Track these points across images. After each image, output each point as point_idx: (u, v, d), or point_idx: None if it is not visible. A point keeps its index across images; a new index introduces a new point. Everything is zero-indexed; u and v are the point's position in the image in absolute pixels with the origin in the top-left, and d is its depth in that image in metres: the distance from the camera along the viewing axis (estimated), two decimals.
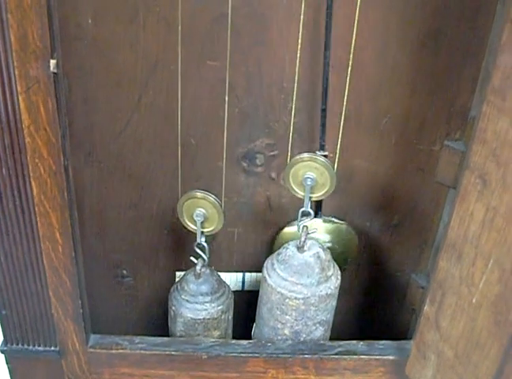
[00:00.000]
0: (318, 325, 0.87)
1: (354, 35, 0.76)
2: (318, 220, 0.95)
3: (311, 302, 0.84)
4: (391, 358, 0.86)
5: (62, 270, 0.77)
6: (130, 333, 1.04)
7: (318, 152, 0.85)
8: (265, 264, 0.88)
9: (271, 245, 0.98)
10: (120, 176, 0.91)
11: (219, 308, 0.88)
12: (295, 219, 0.87)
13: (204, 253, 0.87)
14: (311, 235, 0.85)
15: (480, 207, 0.67)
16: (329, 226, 0.96)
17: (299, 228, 0.85)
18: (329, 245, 0.96)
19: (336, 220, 0.96)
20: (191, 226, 0.86)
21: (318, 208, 0.93)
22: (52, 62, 0.63)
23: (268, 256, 0.90)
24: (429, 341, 0.79)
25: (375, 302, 1.08)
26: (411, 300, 0.99)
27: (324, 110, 0.84)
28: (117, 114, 0.85)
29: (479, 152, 0.66)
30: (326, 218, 0.96)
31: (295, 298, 0.84)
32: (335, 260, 0.89)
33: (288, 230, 0.96)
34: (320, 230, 0.96)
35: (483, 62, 0.81)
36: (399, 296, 1.05)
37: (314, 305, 0.85)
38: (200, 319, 0.88)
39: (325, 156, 0.83)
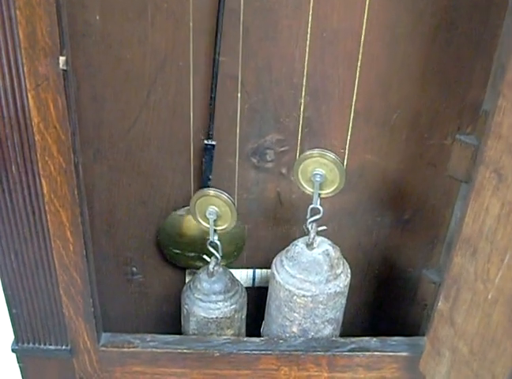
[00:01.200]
0: (326, 323, 0.87)
1: (364, 29, 0.75)
2: None
3: (319, 299, 0.84)
4: (404, 354, 0.85)
5: (72, 268, 0.77)
6: (141, 330, 1.05)
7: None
8: (274, 261, 0.88)
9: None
10: (129, 173, 0.90)
11: (232, 307, 0.88)
12: (305, 215, 0.86)
13: (217, 251, 0.87)
14: None
15: (495, 202, 0.66)
16: None
17: (308, 225, 0.84)
18: None
19: None
20: (204, 224, 0.86)
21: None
22: (61, 59, 0.63)
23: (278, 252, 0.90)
24: (443, 337, 0.79)
25: (386, 298, 1.07)
26: (422, 295, 0.98)
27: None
28: (126, 111, 0.85)
29: (494, 147, 0.65)
30: None
31: (303, 296, 0.83)
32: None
33: None
34: None
35: (496, 55, 0.80)
36: (410, 291, 1.04)
37: (322, 303, 0.84)
38: (213, 318, 0.87)
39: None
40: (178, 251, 0.98)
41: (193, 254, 0.97)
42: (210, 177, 0.89)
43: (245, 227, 0.97)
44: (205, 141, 0.86)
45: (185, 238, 0.96)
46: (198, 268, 0.95)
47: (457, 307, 0.75)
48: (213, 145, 0.86)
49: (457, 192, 0.92)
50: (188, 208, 0.91)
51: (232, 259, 0.99)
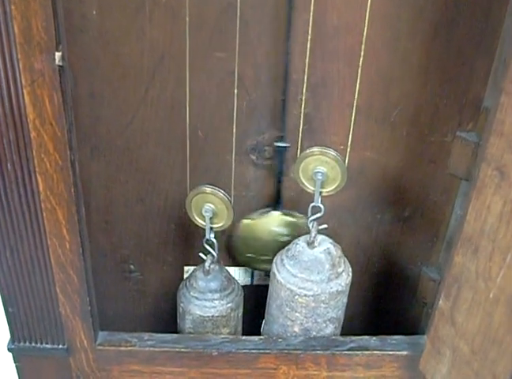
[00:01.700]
0: (328, 323, 0.86)
1: (366, 25, 0.75)
2: (277, 213, 0.94)
3: (321, 299, 0.83)
4: (404, 353, 0.85)
5: (69, 267, 0.76)
6: (138, 328, 1.04)
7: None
8: (274, 260, 0.87)
9: None
10: (127, 170, 0.90)
11: (228, 305, 0.87)
12: (305, 212, 0.86)
13: (213, 249, 0.86)
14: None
15: (497, 200, 0.65)
16: (287, 219, 0.95)
17: (309, 223, 0.84)
18: (289, 238, 0.93)
19: (296, 214, 0.95)
20: (200, 221, 0.85)
21: (277, 200, 0.93)
22: (57, 55, 0.62)
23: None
24: (444, 336, 0.78)
25: (386, 295, 1.07)
26: (422, 293, 0.98)
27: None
28: (123, 107, 0.84)
29: (496, 144, 0.64)
30: (286, 211, 0.95)
31: (305, 295, 0.83)
32: None
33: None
34: (278, 222, 0.95)
35: (497, 52, 0.79)
36: (410, 289, 1.03)
37: (324, 302, 0.84)
38: (209, 316, 0.87)
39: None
40: (252, 255, 0.98)
41: (266, 257, 0.97)
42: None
43: None
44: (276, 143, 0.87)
45: (258, 241, 0.96)
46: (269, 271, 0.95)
47: (457, 306, 0.75)
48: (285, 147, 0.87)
49: (458, 189, 0.92)
50: (262, 211, 0.92)
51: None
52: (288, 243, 0.88)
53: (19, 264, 0.76)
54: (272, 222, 0.94)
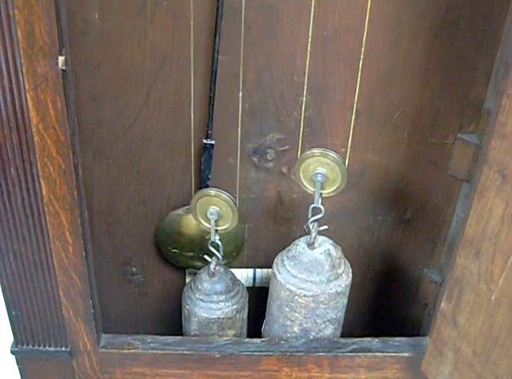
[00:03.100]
0: (327, 323, 0.86)
1: (366, 27, 0.75)
2: None
3: (321, 299, 0.83)
4: (406, 354, 0.85)
5: (72, 270, 0.76)
6: (140, 330, 1.04)
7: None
8: (275, 261, 0.87)
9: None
10: (129, 173, 0.90)
11: (234, 307, 0.87)
12: (306, 214, 0.86)
13: (218, 251, 0.86)
14: None
15: (499, 202, 0.66)
16: None
17: (309, 225, 0.84)
18: None
19: None
20: (205, 224, 0.85)
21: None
22: (60, 59, 0.62)
23: (279, 252, 0.89)
24: (446, 338, 0.78)
25: (387, 297, 1.07)
26: (423, 294, 0.98)
27: None
28: (125, 110, 0.84)
29: (498, 147, 0.64)
30: None
31: (305, 296, 0.83)
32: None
33: None
34: None
35: (498, 53, 0.79)
36: (411, 291, 1.04)
37: (323, 303, 0.84)
38: (215, 318, 0.87)
39: None
40: (176, 251, 0.97)
41: (191, 254, 0.97)
42: (209, 176, 0.88)
43: (245, 226, 0.96)
44: (204, 140, 0.85)
45: (184, 237, 0.95)
46: (197, 267, 0.94)
47: (459, 308, 0.75)
48: (212, 145, 0.85)
49: (459, 191, 0.92)
50: (187, 207, 0.90)
51: (231, 259, 0.98)
52: None
53: (22, 268, 0.76)
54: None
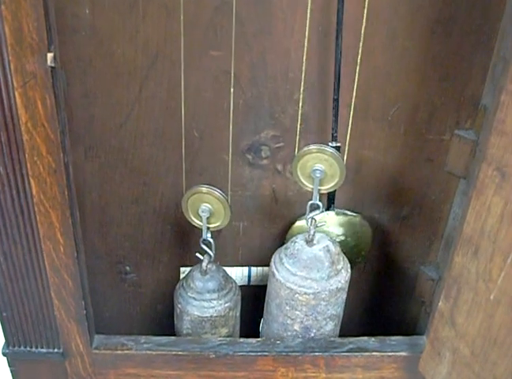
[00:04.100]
0: (328, 320, 0.86)
1: (363, 23, 0.73)
2: (331, 213, 0.93)
3: (322, 296, 0.83)
4: (403, 354, 0.84)
5: (63, 270, 0.75)
6: (134, 330, 1.04)
7: (330, 144, 0.82)
8: (272, 259, 0.86)
9: (282, 241, 0.96)
10: (121, 171, 0.89)
11: (226, 305, 0.87)
12: (303, 212, 0.85)
13: (210, 249, 0.85)
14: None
15: (497, 200, 0.65)
16: (341, 219, 0.94)
17: (307, 221, 0.83)
18: (343, 238, 0.94)
19: (349, 213, 0.94)
20: (197, 221, 0.84)
21: (330, 200, 0.91)
22: (49, 56, 0.61)
23: (274, 250, 0.88)
24: (444, 338, 0.77)
25: (384, 294, 1.06)
26: (420, 292, 0.98)
27: (336, 101, 0.82)
28: (117, 107, 0.83)
29: (497, 144, 0.63)
30: (339, 210, 0.94)
31: (305, 294, 0.82)
32: (348, 254, 0.87)
33: (299, 224, 0.94)
34: (333, 223, 0.93)
35: (495, 48, 0.78)
36: (408, 288, 1.03)
37: (324, 300, 0.83)
38: (207, 317, 0.86)
39: (337, 148, 0.80)
40: None
41: None
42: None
43: (239, 224, 0.95)
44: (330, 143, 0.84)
45: None
46: None
47: (457, 307, 0.74)
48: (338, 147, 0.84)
49: (456, 187, 0.91)
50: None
51: (360, 259, 0.98)
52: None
53: (13, 268, 0.75)
54: (327, 222, 0.93)
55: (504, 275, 0.66)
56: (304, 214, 0.83)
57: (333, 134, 0.84)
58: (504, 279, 0.66)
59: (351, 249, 0.93)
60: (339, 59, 0.79)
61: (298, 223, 0.94)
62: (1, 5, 0.57)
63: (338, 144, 0.84)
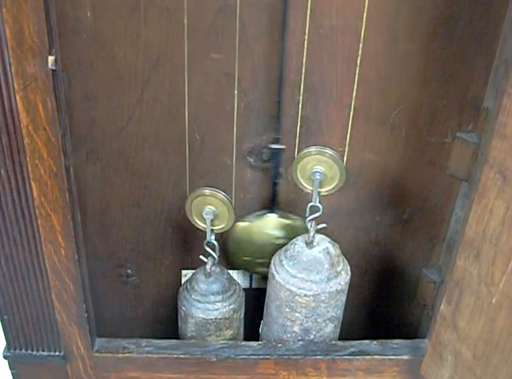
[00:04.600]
0: (328, 322, 0.85)
1: (363, 24, 0.73)
2: (273, 215, 0.93)
3: (321, 298, 0.83)
4: (405, 357, 0.84)
5: (64, 273, 0.75)
6: (136, 333, 1.03)
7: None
8: (272, 261, 0.86)
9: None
10: (123, 174, 0.89)
11: (231, 307, 0.87)
12: (303, 214, 0.85)
13: (214, 251, 0.85)
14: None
15: (499, 204, 0.64)
16: (284, 221, 0.94)
17: (307, 223, 0.83)
18: (284, 241, 0.92)
19: (292, 216, 0.94)
20: (200, 224, 0.84)
21: (273, 202, 0.92)
22: (50, 59, 0.61)
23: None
24: (446, 341, 0.77)
25: (386, 297, 1.06)
26: (422, 295, 0.98)
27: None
28: (118, 110, 0.83)
29: (499, 147, 0.63)
30: (282, 213, 0.94)
31: (305, 295, 0.82)
32: None
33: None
34: (274, 225, 0.94)
35: (497, 51, 0.78)
36: (410, 291, 1.03)
37: (324, 302, 0.83)
38: (212, 319, 0.86)
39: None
40: (248, 258, 0.97)
41: (262, 260, 0.95)
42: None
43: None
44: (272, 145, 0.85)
45: (255, 245, 0.95)
46: (264, 273, 0.93)
47: (459, 311, 0.74)
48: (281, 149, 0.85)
49: (458, 190, 0.91)
50: (257, 214, 0.91)
51: None
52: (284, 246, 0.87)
53: (14, 271, 0.75)
54: (269, 224, 0.93)
55: (506, 278, 0.66)
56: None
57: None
58: (506, 282, 0.66)
59: None
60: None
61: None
62: (2, 8, 0.57)
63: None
